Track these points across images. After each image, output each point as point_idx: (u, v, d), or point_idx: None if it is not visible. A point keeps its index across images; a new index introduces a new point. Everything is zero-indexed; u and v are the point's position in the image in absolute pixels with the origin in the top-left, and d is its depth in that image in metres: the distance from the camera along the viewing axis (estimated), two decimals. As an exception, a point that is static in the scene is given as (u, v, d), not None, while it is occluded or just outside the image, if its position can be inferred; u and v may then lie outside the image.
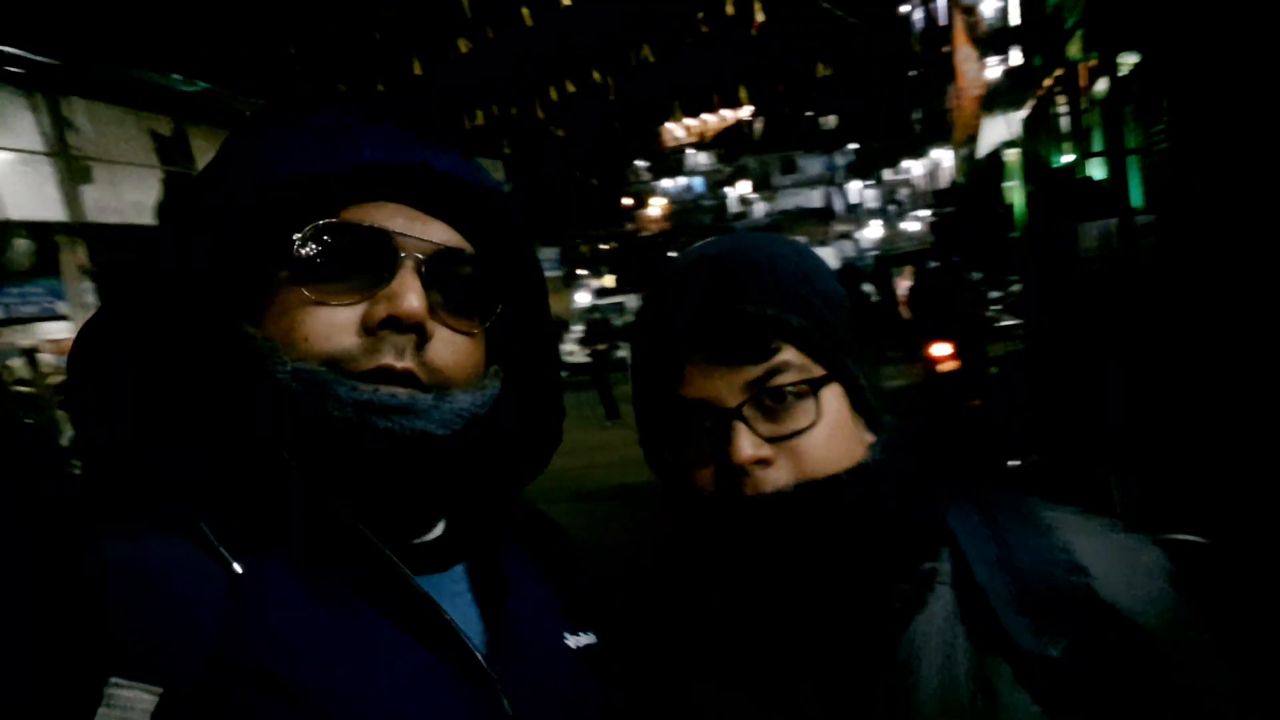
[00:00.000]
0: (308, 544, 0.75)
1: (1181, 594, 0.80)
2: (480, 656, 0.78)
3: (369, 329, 0.77)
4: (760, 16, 13.84)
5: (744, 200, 57.57)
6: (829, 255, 37.65)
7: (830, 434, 0.82)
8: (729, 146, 58.19)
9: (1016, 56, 13.30)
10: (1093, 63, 8.54)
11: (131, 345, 0.78)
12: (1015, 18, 13.76)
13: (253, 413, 0.75)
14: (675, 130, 58.88)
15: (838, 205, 55.91)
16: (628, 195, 53.17)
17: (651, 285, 0.92)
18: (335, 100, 0.87)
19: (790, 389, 0.81)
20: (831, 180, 56.56)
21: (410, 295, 0.77)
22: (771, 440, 0.80)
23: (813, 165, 57.23)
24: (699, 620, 0.88)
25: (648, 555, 0.97)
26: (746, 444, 0.79)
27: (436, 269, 0.81)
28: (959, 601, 0.82)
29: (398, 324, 0.77)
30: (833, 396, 0.83)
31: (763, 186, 57.67)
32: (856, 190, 55.24)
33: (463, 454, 0.82)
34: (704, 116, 57.05)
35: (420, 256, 0.79)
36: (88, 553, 0.66)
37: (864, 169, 53.88)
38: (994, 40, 14.32)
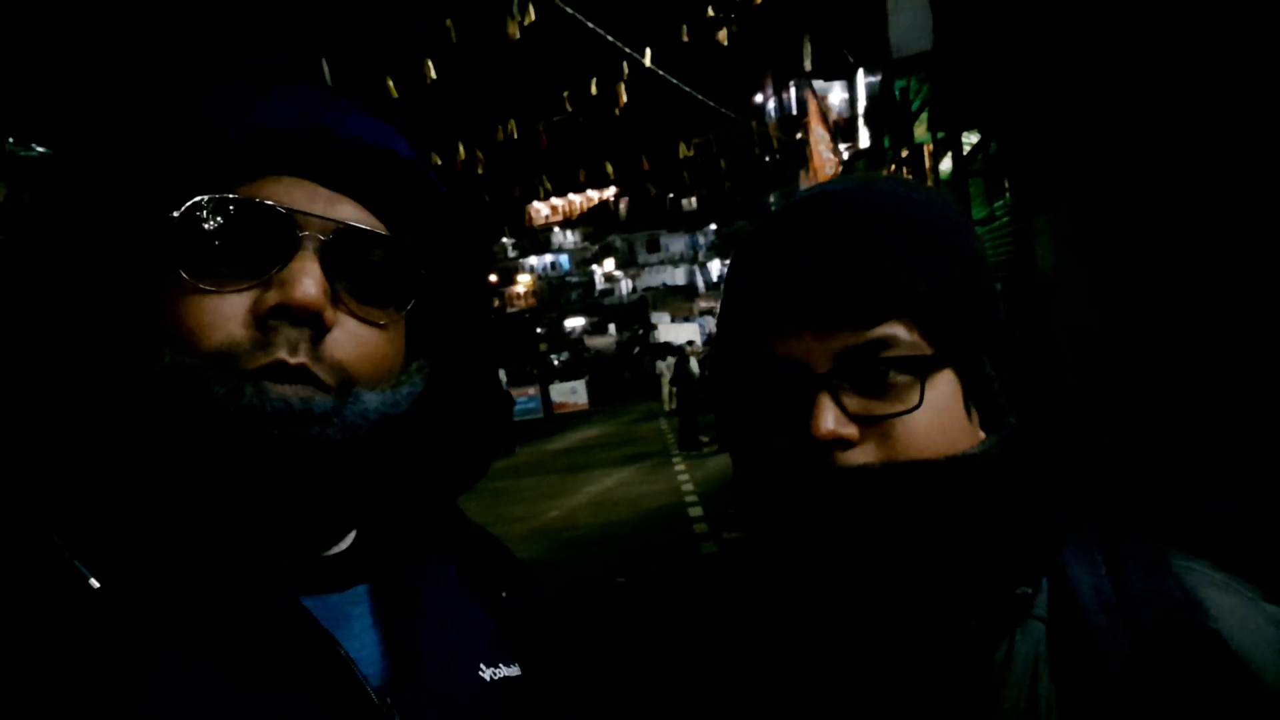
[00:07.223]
0: (174, 563, 0.65)
1: None
2: (373, 691, 0.69)
3: (259, 320, 0.68)
4: (624, 98, 14.28)
5: (609, 278, 58.65)
6: (694, 331, 38.96)
7: (933, 423, 0.69)
8: (595, 224, 59.39)
9: (865, 140, 14.17)
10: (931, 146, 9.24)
11: None
12: (860, 108, 14.75)
13: (118, 414, 0.65)
14: (542, 209, 59.69)
15: (700, 283, 57.73)
16: (494, 272, 53.23)
17: (760, 220, 0.79)
18: (246, 64, 0.79)
19: (893, 367, 0.68)
20: (695, 259, 58.43)
21: (305, 280, 0.68)
22: (861, 419, 0.68)
23: (676, 244, 59.03)
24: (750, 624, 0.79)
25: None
26: (828, 417, 0.67)
27: (341, 251, 0.72)
28: (1051, 643, 0.70)
29: (291, 313, 0.68)
30: (945, 382, 0.71)
31: (628, 264, 58.98)
32: (718, 269, 57.24)
33: (374, 460, 0.74)
34: (570, 196, 58.18)
35: (322, 237, 0.71)
36: None
37: (725, 249, 55.99)
38: (845, 126, 15.24)
